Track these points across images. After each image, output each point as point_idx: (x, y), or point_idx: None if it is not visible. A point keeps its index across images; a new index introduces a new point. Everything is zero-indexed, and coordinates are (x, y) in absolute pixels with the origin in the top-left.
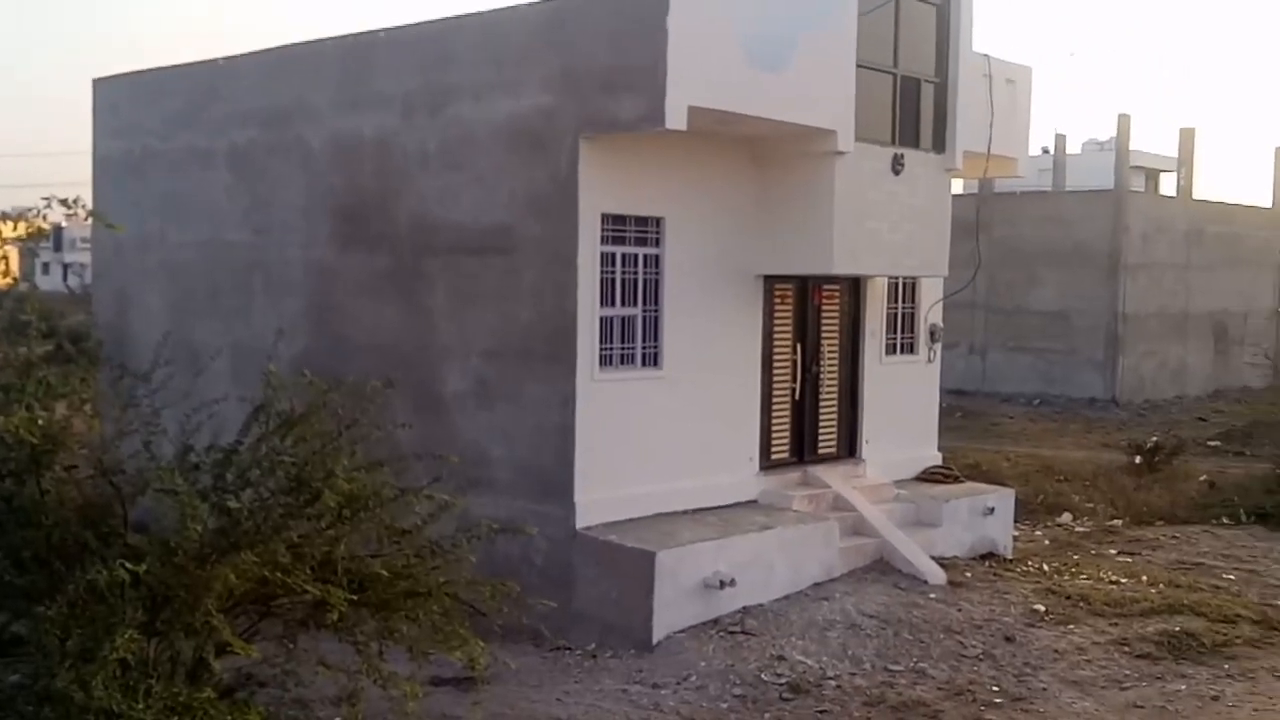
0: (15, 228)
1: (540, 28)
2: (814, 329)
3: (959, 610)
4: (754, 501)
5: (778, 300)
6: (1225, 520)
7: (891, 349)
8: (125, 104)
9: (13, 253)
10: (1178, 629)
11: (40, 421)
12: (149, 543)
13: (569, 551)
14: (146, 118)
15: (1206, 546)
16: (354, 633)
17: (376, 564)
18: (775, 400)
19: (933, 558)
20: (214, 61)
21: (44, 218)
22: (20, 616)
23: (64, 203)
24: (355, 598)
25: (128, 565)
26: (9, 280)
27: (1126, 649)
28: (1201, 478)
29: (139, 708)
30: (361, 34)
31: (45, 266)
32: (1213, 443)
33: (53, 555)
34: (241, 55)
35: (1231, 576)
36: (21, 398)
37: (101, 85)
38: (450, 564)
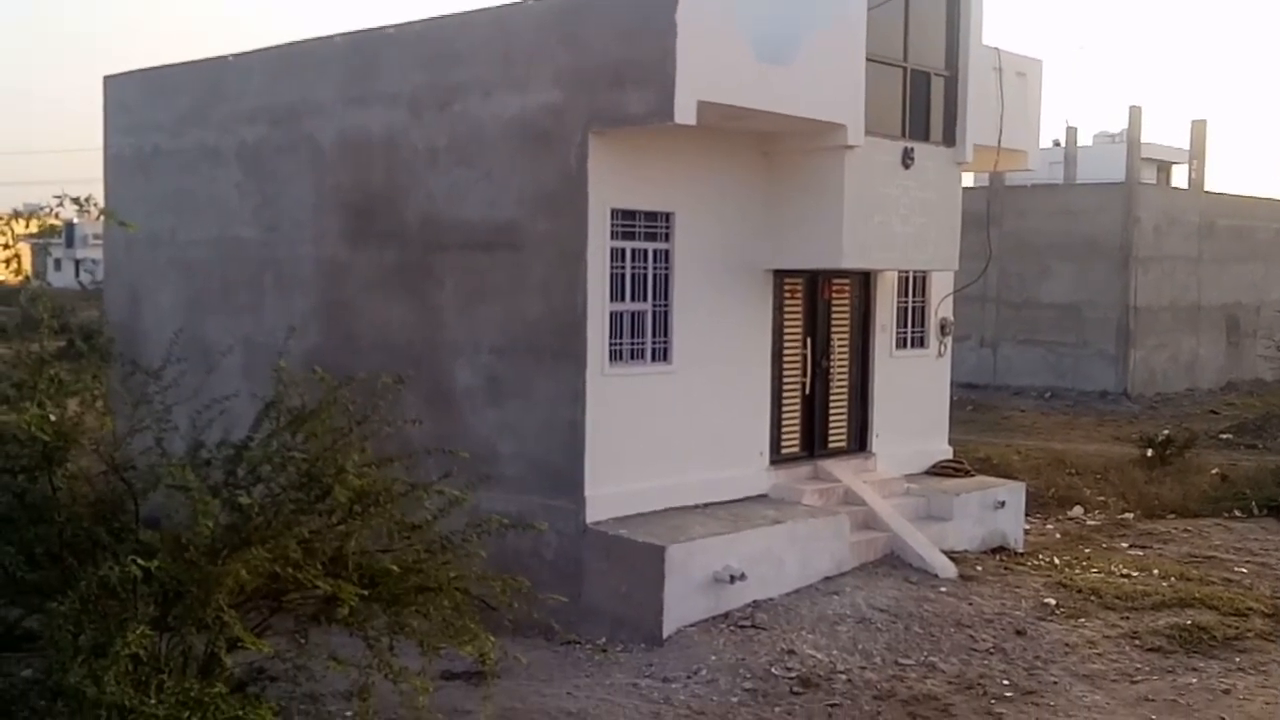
0: (28, 225)
1: (549, 23)
2: (824, 323)
3: (970, 604)
4: (764, 496)
5: (788, 295)
6: (1237, 513)
7: (902, 343)
8: (136, 101)
9: (25, 250)
10: (1189, 622)
11: (52, 418)
12: (161, 539)
13: (579, 546)
14: (157, 115)
15: (1218, 540)
16: (365, 628)
17: (387, 559)
18: (785, 394)
19: (943, 551)
20: (223, 59)
21: (56, 215)
22: (33, 612)
23: (76, 201)
24: (366, 593)
25: (139, 561)
26: (21, 277)
27: (1138, 642)
28: (1213, 471)
29: (151, 703)
30: (369, 30)
31: (58, 263)
32: (1225, 435)
33: (65, 551)
34: (250, 52)
35: (1243, 570)
36: (34, 395)
37: (112, 83)
38: (461, 559)
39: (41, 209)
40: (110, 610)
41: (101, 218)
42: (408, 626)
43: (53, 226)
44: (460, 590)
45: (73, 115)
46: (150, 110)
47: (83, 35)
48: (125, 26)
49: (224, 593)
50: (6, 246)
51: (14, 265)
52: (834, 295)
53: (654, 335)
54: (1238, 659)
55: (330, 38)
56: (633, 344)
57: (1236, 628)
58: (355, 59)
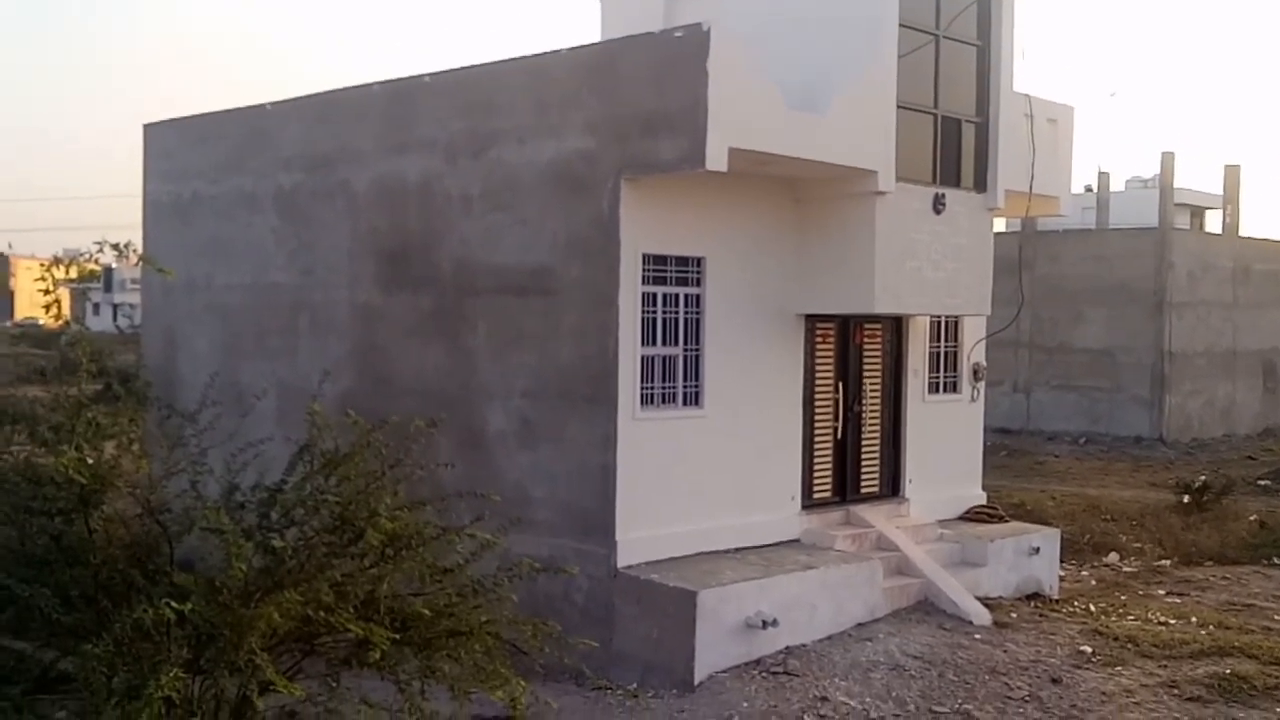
0: (67, 270)
1: (582, 72)
2: (855, 368)
3: (1004, 651)
4: (796, 541)
5: (819, 339)
6: (1276, 561)
7: (934, 388)
8: (175, 149)
9: (65, 294)
10: (1228, 671)
11: (89, 461)
12: (194, 581)
13: (610, 590)
14: (195, 162)
15: (1257, 587)
16: (396, 671)
17: (419, 603)
18: (817, 439)
19: (978, 598)
20: (261, 107)
21: (96, 261)
22: (67, 654)
23: (115, 247)
24: (398, 636)
25: (173, 604)
26: (61, 321)
27: (1176, 692)
28: (1251, 517)
29: None
30: (406, 79)
31: (96, 307)
32: (1263, 482)
33: (100, 593)
34: (288, 100)
35: None
36: (71, 438)
37: (152, 130)
38: (492, 603)
39: (81, 255)
40: (144, 653)
41: (140, 263)
42: (439, 671)
43: (92, 272)
44: (491, 634)
45: (112, 162)
46: (189, 157)
47: (122, 81)
48: (165, 73)
49: (257, 636)
50: (47, 292)
51: (54, 310)
52: (865, 340)
53: (685, 379)
54: (1279, 710)
55: (368, 86)
56: (664, 388)
57: (1277, 678)
58: (392, 107)
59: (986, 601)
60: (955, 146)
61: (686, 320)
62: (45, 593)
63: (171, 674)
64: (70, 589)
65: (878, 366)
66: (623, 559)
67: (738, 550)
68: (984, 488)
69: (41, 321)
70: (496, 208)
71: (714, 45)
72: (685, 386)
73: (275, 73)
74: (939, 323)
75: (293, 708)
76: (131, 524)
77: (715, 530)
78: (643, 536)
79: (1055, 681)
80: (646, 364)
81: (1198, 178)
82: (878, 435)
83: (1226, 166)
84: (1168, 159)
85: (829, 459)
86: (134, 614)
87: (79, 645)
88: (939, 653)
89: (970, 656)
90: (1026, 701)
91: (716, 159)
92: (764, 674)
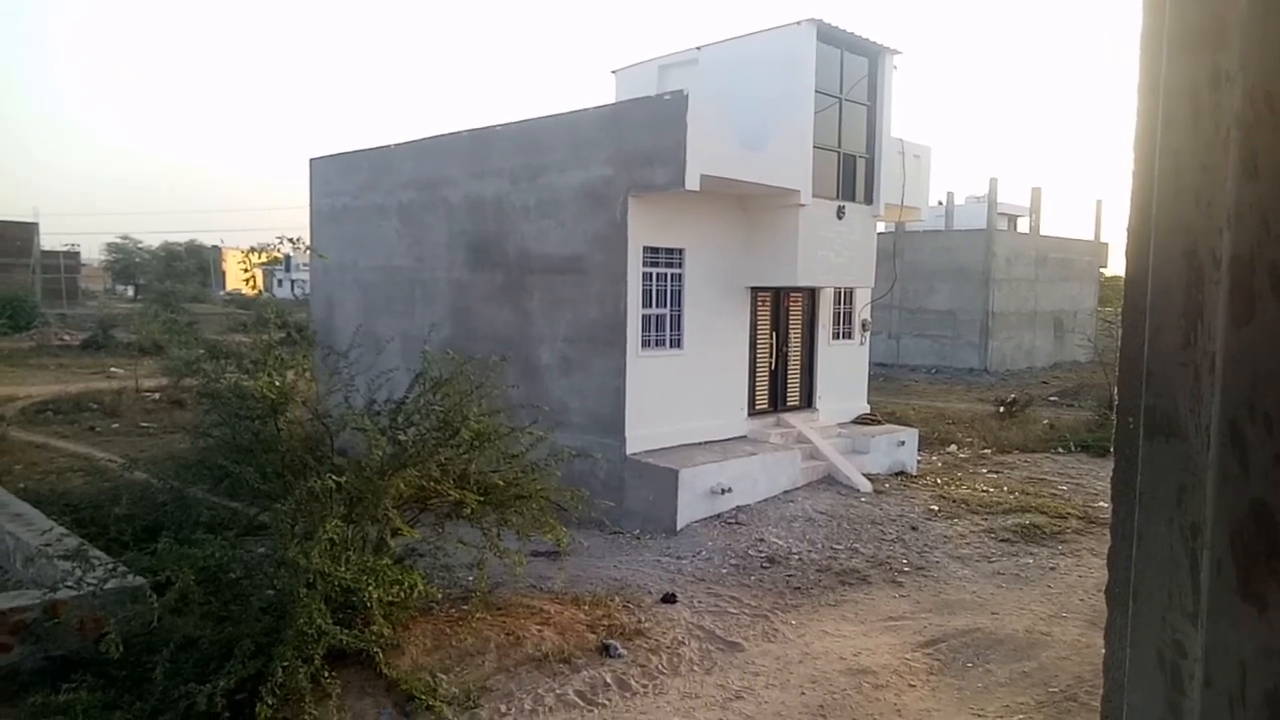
0: (260, 257)
1: (602, 123)
2: (784, 322)
3: (880, 509)
4: (744, 436)
5: (760, 303)
6: (1060, 450)
7: (836, 336)
8: (330, 175)
9: (258, 273)
10: (1027, 522)
11: (277, 383)
12: (347, 463)
13: (622, 469)
14: (344, 184)
15: (1047, 467)
16: (481, 522)
17: (496, 477)
18: (758, 369)
19: (863, 474)
20: (387, 146)
21: (279, 250)
22: (265, 510)
23: (292, 241)
24: (482, 499)
25: (334, 477)
26: (257, 291)
27: (993, 535)
28: (1044, 421)
29: (341, 570)
30: (484, 128)
31: (280, 282)
32: (1052, 398)
33: (285, 470)
34: (404, 142)
35: (1064, 488)
36: (264, 368)
37: (315, 162)
38: (544, 477)
39: (269, 246)
40: (314, 510)
41: (308, 252)
42: (510, 521)
43: (276, 258)
44: (544, 497)
45: (289, 184)
46: (340, 180)
47: (294, 127)
48: (324, 120)
49: (389, 498)
50: (246, 271)
51: (252, 283)
52: (791, 304)
53: (671, 330)
54: (1060, 547)
55: (458, 133)
56: (657, 336)
57: (1059, 526)
58: (475, 147)
59: (870, 477)
60: (851, 174)
61: (672, 291)
62: (249, 470)
63: (333, 523)
64: (265, 468)
65: (799, 321)
66: (630, 448)
67: (705, 443)
68: (868, 402)
69: (243, 291)
70: (545, 215)
71: (691, 105)
72: (671, 335)
73: (396, 120)
74: (839, 292)
75: (413, 545)
76: (305, 425)
77: (690, 429)
78: (643, 434)
79: (914, 529)
80: (646, 320)
81: (1012, 194)
82: (798, 367)
83: (1032, 187)
84: (993, 183)
85: (766, 382)
86: (308, 484)
87: (272, 505)
88: (837, 510)
89: (858, 512)
90: (895, 542)
91: (693, 182)
92: (722, 523)
